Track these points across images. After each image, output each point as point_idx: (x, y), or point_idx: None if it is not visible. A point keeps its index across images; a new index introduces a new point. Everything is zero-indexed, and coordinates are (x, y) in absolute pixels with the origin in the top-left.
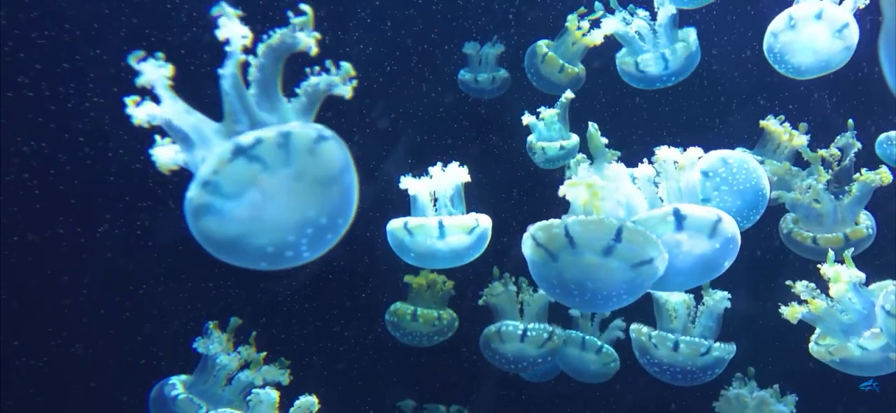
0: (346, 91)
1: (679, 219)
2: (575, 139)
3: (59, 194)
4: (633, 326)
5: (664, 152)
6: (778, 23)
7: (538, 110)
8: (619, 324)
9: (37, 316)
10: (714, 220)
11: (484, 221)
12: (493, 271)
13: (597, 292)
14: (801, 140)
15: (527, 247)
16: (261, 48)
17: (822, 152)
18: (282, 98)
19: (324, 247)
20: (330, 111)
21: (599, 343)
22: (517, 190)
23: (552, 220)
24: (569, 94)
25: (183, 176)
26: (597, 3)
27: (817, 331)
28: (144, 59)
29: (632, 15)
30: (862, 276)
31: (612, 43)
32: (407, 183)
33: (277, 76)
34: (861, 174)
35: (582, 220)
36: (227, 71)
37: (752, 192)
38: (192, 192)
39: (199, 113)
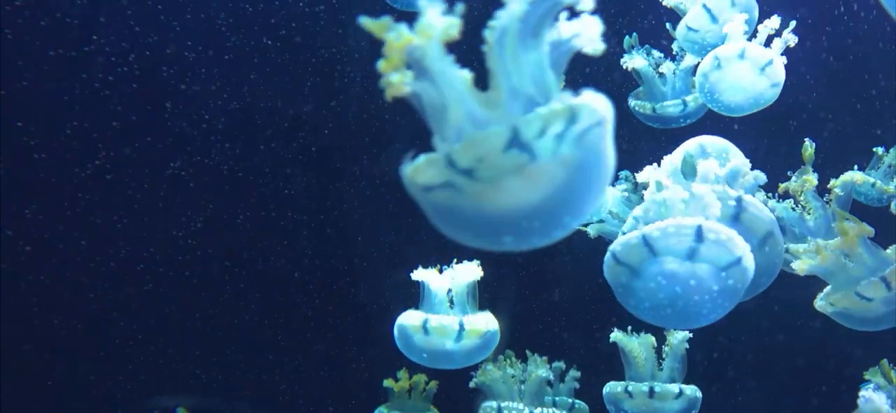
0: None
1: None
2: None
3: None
4: (609, 384)
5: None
6: (706, 63)
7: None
8: (574, 373)
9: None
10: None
11: (494, 323)
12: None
13: (689, 304)
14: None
15: (608, 270)
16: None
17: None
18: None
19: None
20: None
21: (570, 401)
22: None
23: (626, 237)
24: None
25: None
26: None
27: (827, 289)
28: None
29: (649, 54)
30: (870, 230)
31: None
32: (423, 275)
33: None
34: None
35: (658, 225)
36: (504, 20)
37: None
38: (421, 164)
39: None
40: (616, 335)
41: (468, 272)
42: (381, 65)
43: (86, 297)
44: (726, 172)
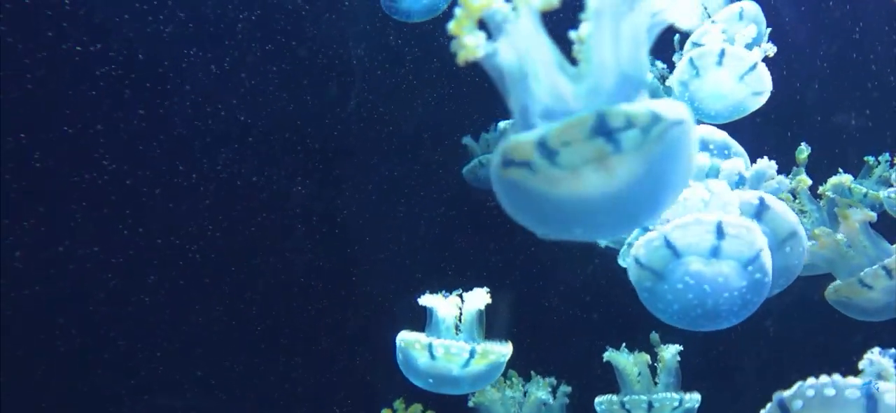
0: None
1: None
2: None
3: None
4: (601, 398)
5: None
6: (682, 71)
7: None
8: (565, 389)
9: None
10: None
11: (507, 349)
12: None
13: (719, 302)
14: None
15: (633, 274)
16: None
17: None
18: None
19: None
20: None
21: None
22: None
23: (646, 238)
24: None
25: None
26: None
27: (837, 281)
28: None
29: (653, 64)
30: (873, 216)
31: None
32: (430, 301)
33: None
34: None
35: (678, 224)
36: None
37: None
38: (519, 141)
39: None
40: (609, 354)
41: (477, 299)
42: (453, 26)
43: (86, 297)
44: (751, 174)
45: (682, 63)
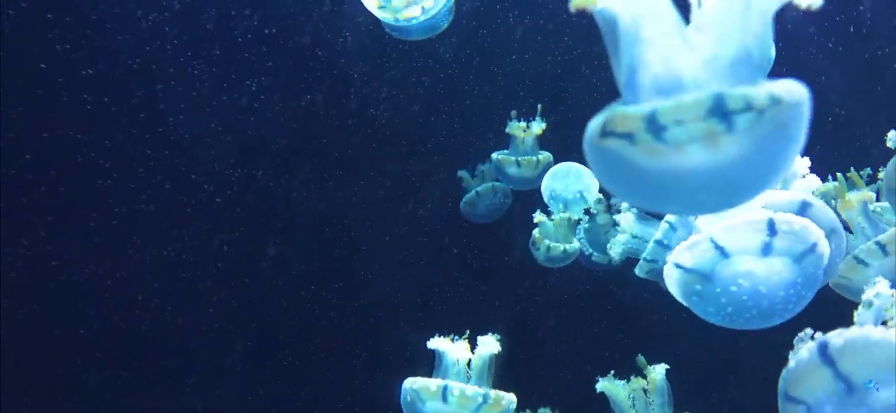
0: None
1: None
2: (576, 245)
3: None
4: None
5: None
6: None
7: (551, 211)
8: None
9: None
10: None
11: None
12: None
13: (774, 301)
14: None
15: (673, 283)
16: None
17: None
18: None
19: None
20: None
21: None
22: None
23: (690, 241)
24: (584, 207)
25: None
26: None
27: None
28: None
29: None
30: (872, 195)
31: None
32: (441, 345)
33: None
34: None
35: (727, 225)
36: None
37: None
38: (627, 114)
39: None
40: (602, 384)
41: (489, 345)
42: None
43: (87, 298)
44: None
45: None
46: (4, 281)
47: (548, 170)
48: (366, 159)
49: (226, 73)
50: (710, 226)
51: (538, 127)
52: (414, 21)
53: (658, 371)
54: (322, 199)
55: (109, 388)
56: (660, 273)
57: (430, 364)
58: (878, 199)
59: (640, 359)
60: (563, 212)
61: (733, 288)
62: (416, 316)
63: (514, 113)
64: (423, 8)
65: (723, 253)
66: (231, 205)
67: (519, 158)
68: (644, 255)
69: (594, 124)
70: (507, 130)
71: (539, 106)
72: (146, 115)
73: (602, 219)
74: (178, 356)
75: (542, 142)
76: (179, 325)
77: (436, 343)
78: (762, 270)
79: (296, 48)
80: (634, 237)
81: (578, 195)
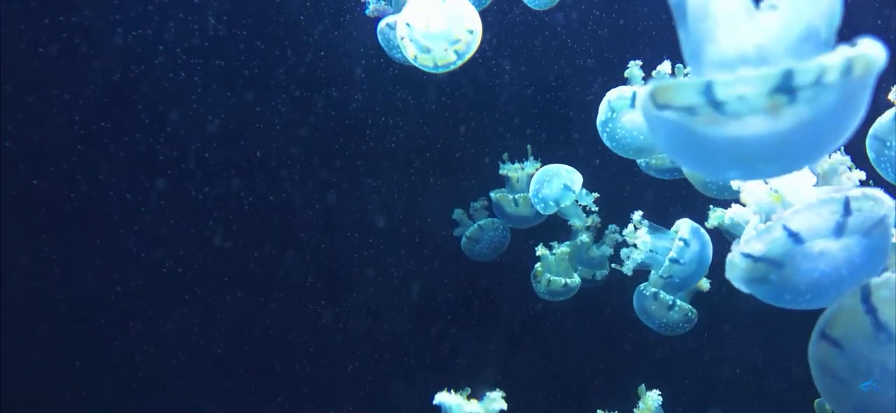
0: None
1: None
2: (577, 279)
3: None
4: None
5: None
6: (601, 111)
7: (552, 244)
8: None
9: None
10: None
11: None
12: None
13: (839, 280)
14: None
15: (739, 271)
16: None
17: None
18: None
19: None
20: None
21: None
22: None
23: (760, 230)
24: (584, 238)
25: None
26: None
27: None
28: None
29: None
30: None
31: None
32: (446, 399)
33: None
34: None
35: (802, 211)
36: None
37: None
38: (685, 88)
39: None
40: None
41: (496, 402)
42: None
43: (87, 299)
44: (826, 168)
45: (603, 104)
46: (6, 282)
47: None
48: (366, 168)
49: (227, 78)
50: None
51: (532, 166)
52: (452, 66)
53: (654, 399)
54: (321, 207)
55: (112, 389)
56: (672, 285)
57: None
58: None
59: (641, 388)
60: (555, 209)
61: (816, 275)
62: (417, 314)
63: (506, 155)
64: (456, 52)
65: (796, 238)
66: (228, 211)
67: (516, 196)
68: (660, 272)
69: (648, 92)
70: (501, 172)
71: (529, 146)
72: (145, 116)
73: (584, 236)
74: (173, 361)
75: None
76: (174, 330)
77: (442, 397)
78: (839, 251)
79: (296, 55)
80: (650, 252)
81: (564, 188)
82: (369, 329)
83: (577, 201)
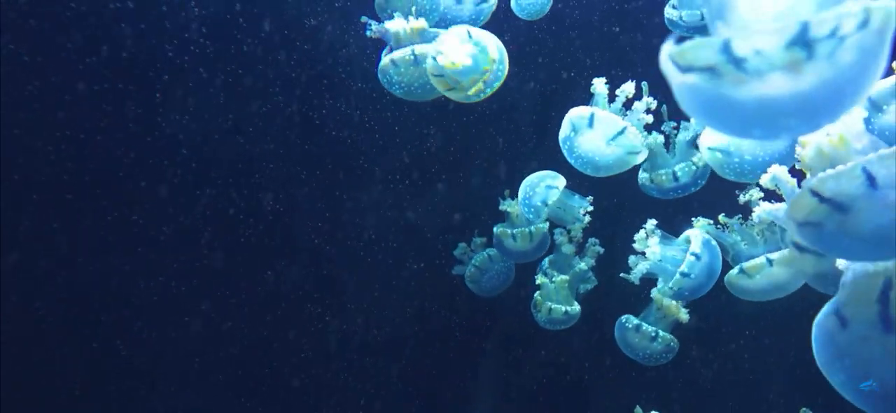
0: None
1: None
2: (577, 307)
3: None
4: None
5: None
6: (564, 128)
7: (551, 273)
8: None
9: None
10: None
11: None
12: None
13: None
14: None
15: (801, 210)
16: None
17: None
18: None
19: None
20: None
21: None
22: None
23: (838, 170)
24: (582, 266)
25: None
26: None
27: None
28: None
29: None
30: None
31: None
32: None
33: None
34: None
35: (884, 155)
36: None
37: None
38: (705, 49)
39: None
40: None
41: None
42: None
43: (87, 298)
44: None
45: (565, 121)
46: (5, 281)
47: (542, 241)
48: (367, 176)
49: (228, 81)
50: None
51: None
52: (481, 95)
53: None
54: (320, 214)
55: (106, 391)
56: (680, 297)
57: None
58: None
59: (638, 409)
60: (547, 213)
61: (860, 224)
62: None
63: (507, 192)
64: (485, 82)
65: (872, 182)
66: (227, 214)
67: (513, 231)
68: (669, 285)
69: (670, 59)
70: (501, 208)
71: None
72: (146, 117)
73: (566, 249)
74: (166, 365)
75: None
76: (169, 334)
77: None
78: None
79: (296, 61)
80: (658, 262)
81: (547, 187)
82: (365, 339)
83: (567, 202)
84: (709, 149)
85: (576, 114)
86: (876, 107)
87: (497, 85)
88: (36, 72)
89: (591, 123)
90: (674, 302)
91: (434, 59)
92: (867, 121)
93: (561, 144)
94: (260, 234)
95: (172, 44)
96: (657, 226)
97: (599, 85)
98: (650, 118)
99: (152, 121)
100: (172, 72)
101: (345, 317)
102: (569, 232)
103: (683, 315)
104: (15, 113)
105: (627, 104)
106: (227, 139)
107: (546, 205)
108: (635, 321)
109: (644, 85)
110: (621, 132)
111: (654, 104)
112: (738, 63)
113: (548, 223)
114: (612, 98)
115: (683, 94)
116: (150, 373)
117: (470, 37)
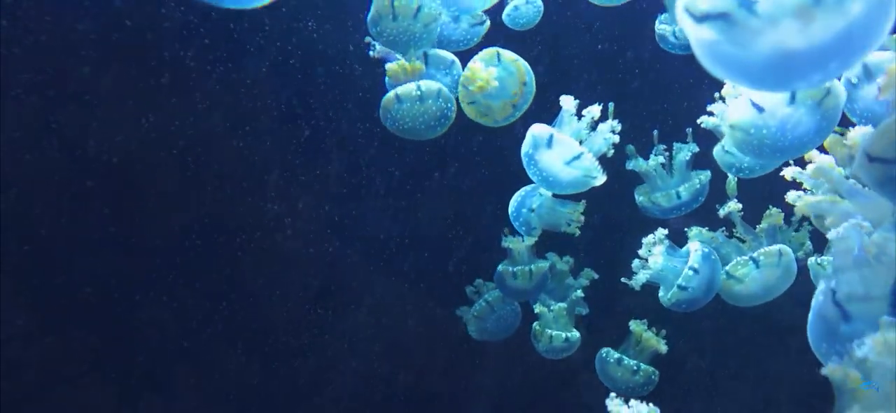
0: None
1: None
2: (577, 334)
3: None
4: None
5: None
6: (526, 143)
7: (549, 302)
8: None
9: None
10: None
11: None
12: None
13: None
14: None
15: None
16: None
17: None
18: None
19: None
20: None
21: None
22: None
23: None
24: (579, 294)
25: None
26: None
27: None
28: None
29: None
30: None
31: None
32: None
33: None
34: None
35: None
36: None
37: None
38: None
39: None
40: None
41: None
42: None
43: (87, 299)
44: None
45: (528, 136)
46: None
47: (542, 280)
48: (367, 169)
49: (228, 83)
50: None
51: (531, 238)
52: (511, 119)
53: None
54: (320, 216)
55: (114, 390)
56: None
57: None
58: None
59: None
60: (537, 221)
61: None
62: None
63: (507, 230)
64: (513, 106)
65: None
66: (231, 211)
67: (514, 269)
68: (668, 296)
69: (684, 11)
70: (504, 245)
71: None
72: (151, 118)
73: (560, 266)
74: (166, 366)
75: None
76: (169, 334)
77: None
78: None
79: (304, 77)
80: (660, 271)
81: (527, 193)
82: (366, 340)
83: (558, 209)
84: (730, 126)
85: (537, 131)
86: (869, 75)
87: (525, 107)
88: (35, 70)
89: (549, 144)
90: (653, 335)
91: (466, 87)
92: (851, 85)
93: (522, 157)
94: (260, 236)
95: (172, 43)
96: (666, 235)
97: (567, 101)
98: (616, 138)
99: (152, 121)
100: (172, 72)
101: (345, 317)
102: (561, 258)
103: (662, 347)
104: (15, 113)
105: (593, 125)
106: (227, 139)
107: (532, 210)
108: (616, 355)
109: (610, 106)
110: (577, 157)
111: (618, 126)
112: (750, 6)
113: (548, 263)
114: (580, 115)
115: (700, 47)
116: (150, 374)
117: (499, 60)
